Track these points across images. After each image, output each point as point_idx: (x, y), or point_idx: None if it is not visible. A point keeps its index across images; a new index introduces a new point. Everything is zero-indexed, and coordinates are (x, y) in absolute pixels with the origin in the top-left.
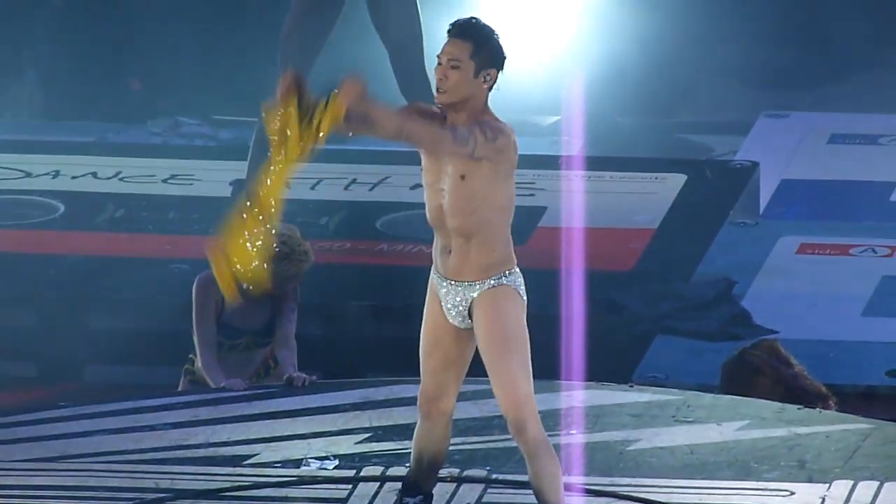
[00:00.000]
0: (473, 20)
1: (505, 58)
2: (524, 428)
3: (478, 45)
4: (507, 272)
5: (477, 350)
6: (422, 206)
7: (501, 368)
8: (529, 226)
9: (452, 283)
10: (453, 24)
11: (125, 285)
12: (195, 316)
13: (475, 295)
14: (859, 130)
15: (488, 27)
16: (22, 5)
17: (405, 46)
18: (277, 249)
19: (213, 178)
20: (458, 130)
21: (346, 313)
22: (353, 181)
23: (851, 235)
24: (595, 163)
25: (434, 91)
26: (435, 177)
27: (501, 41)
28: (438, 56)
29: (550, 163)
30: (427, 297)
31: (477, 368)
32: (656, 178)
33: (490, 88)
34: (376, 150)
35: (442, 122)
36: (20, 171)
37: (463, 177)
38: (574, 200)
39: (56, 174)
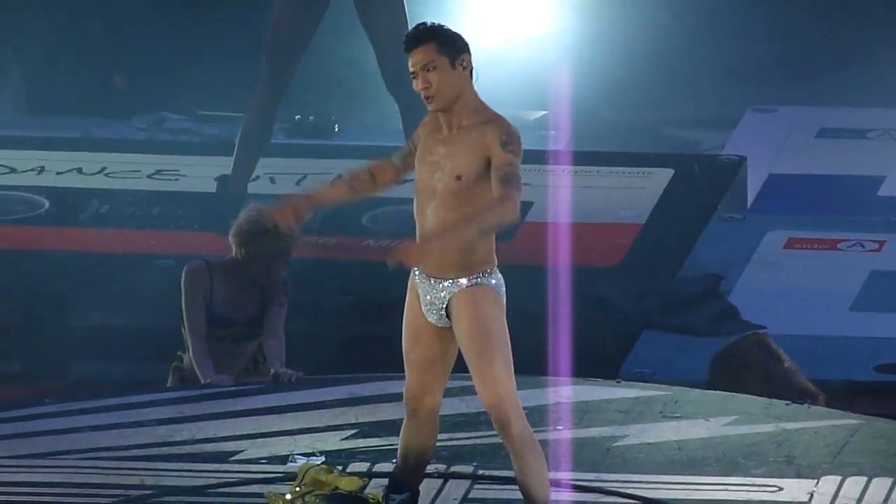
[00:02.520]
0: (421, 25)
1: (466, 41)
2: (508, 425)
3: (440, 40)
4: (486, 271)
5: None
6: (408, 201)
7: (483, 367)
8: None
9: (431, 280)
10: (408, 38)
11: (110, 281)
12: (184, 304)
13: (453, 293)
14: (847, 125)
15: (436, 23)
16: (5, 2)
17: (393, 45)
18: (259, 224)
19: (198, 173)
20: (511, 178)
21: (332, 309)
22: (339, 177)
23: (839, 230)
24: (582, 157)
25: (424, 101)
26: (430, 165)
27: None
28: (411, 72)
29: (537, 158)
30: (407, 294)
31: (464, 364)
32: (643, 173)
33: (471, 74)
34: (361, 145)
35: (498, 184)
36: (5, 166)
37: (459, 177)
38: (560, 196)
39: (41, 170)
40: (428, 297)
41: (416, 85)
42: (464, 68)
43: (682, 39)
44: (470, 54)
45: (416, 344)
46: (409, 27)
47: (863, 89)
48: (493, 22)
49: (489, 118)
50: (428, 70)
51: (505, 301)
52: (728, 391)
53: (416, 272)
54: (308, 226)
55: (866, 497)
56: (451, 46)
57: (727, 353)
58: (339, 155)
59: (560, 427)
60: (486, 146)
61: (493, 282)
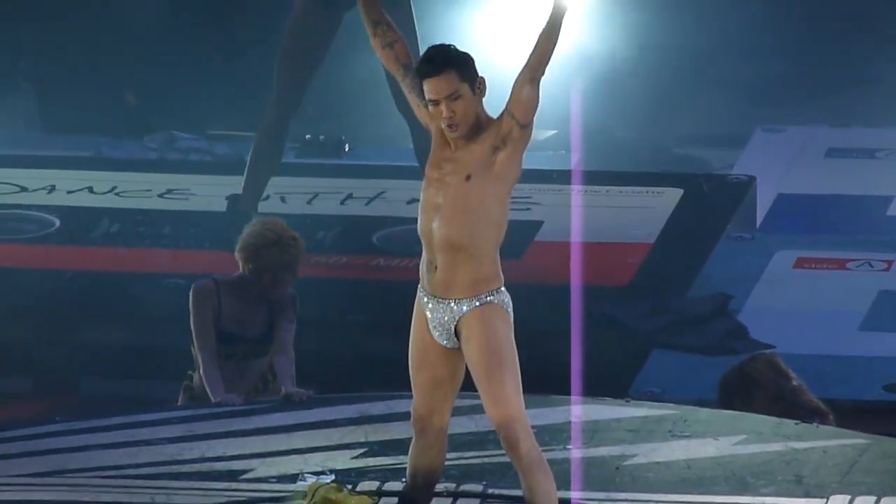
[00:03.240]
0: (435, 50)
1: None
2: (517, 444)
3: (459, 67)
4: (494, 290)
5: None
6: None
7: (492, 386)
8: (526, 240)
9: (439, 299)
10: (427, 63)
11: (121, 300)
12: (193, 322)
13: (462, 313)
14: (856, 144)
15: (447, 45)
16: (17, 17)
17: None
18: (263, 237)
19: (208, 192)
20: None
21: (343, 328)
22: (350, 196)
23: (848, 250)
24: (592, 177)
25: (447, 130)
26: (437, 182)
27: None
28: (430, 99)
29: (547, 177)
30: (414, 314)
31: (473, 383)
32: (653, 193)
33: (484, 94)
34: (372, 164)
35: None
36: (16, 185)
37: (469, 177)
38: (570, 215)
39: (52, 189)
40: (436, 317)
41: (438, 112)
42: (481, 92)
43: (691, 58)
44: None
45: (422, 364)
46: (419, 47)
47: (872, 109)
48: (503, 40)
49: (494, 121)
50: (453, 99)
51: (512, 319)
52: (738, 410)
53: (422, 291)
54: (319, 245)
55: None
56: (469, 72)
57: (737, 373)
58: (349, 174)
59: (570, 446)
60: (494, 133)
61: (502, 300)
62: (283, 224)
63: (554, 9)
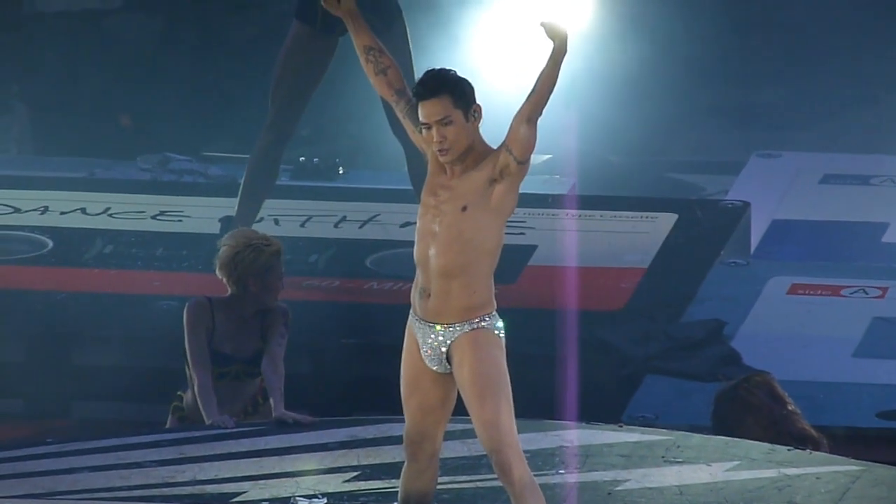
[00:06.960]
0: (433, 73)
1: (473, 86)
2: (509, 469)
3: (454, 92)
4: (486, 315)
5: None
6: (412, 244)
7: (485, 411)
8: (519, 265)
9: (431, 325)
10: (422, 86)
11: (113, 322)
12: (188, 340)
13: (454, 338)
14: (851, 171)
15: (446, 70)
16: (11, 40)
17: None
18: (234, 246)
19: (202, 214)
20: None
21: (335, 351)
22: (343, 219)
23: (843, 276)
24: (586, 202)
25: (437, 154)
26: (433, 209)
27: (458, 72)
28: (423, 123)
29: (541, 201)
30: (405, 340)
31: (465, 407)
32: (647, 218)
33: (479, 121)
34: (366, 188)
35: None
36: (9, 206)
37: (465, 208)
38: (564, 239)
39: (45, 210)
40: (428, 341)
41: (430, 136)
42: (475, 119)
43: (687, 84)
44: (478, 103)
45: (414, 390)
46: (414, 72)
47: (867, 135)
48: (498, 66)
49: (492, 150)
50: (444, 124)
51: (504, 344)
52: (730, 431)
53: (414, 317)
54: (312, 268)
55: None
56: (465, 98)
57: (731, 395)
58: (343, 197)
59: (562, 471)
60: (491, 166)
61: (494, 325)
62: (253, 231)
63: (555, 49)
